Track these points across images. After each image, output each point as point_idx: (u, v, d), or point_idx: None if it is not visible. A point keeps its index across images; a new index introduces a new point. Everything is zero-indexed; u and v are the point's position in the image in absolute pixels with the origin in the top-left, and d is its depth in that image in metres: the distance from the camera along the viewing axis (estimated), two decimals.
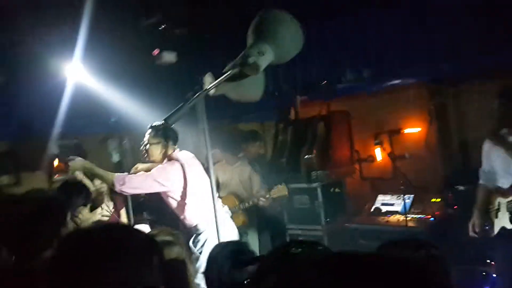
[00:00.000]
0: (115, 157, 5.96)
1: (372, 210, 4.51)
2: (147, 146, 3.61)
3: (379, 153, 4.91)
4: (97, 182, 3.81)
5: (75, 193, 3.07)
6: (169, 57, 4.44)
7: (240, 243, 2.17)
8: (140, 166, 3.78)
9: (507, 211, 3.09)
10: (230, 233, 3.53)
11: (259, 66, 2.55)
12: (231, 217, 3.88)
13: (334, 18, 4.39)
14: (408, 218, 4.07)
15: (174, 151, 3.62)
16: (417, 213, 4.20)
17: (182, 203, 3.57)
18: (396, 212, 4.33)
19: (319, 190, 4.48)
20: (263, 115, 5.69)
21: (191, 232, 3.65)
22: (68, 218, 2.24)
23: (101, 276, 1.01)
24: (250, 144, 4.84)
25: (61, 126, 4.88)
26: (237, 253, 1.63)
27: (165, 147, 3.58)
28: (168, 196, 3.60)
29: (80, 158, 3.48)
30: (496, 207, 3.17)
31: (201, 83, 2.70)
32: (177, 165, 3.50)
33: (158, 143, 3.57)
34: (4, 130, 4.92)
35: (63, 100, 4.60)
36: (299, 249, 1.13)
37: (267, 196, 4.29)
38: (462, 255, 3.53)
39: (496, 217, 3.17)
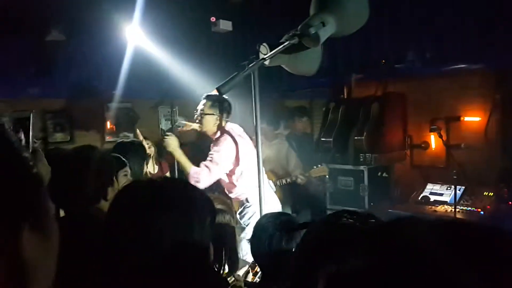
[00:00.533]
0: (165, 124, 6.08)
1: (419, 198, 4.37)
2: (201, 117, 3.53)
3: (433, 140, 4.71)
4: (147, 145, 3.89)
5: (134, 152, 3.13)
6: (226, 24, 4.39)
7: (289, 214, 2.15)
8: (193, 125, 3.68)
9: None
10: (275, 208, 3.51)
11: (320, 37, 2.44)
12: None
13: None
14: (456, 210, 3.94)
15: (226, 123, 3.57)
16: (467, 205, 4.04)
17: (232, 177, 3.55)
18: (444, 203, 4.19)
19: (365, 173, 4.38)
20: (313, 93, 5.57)
21: (239, 204, 3.66)
22: (122, 174, 2.31)
23: (155, 225, 1.03)
24: (297, 119, 4.76)
25: (116, 88, 5.00)
26: (287, 222, 1.61)
27: (219, 119, 3.50)
28: None
29: (175, 137, 3.48)
30: None
31: (258, 52, 2.62)
32: (229, 141, 3.45)
33: (212, 114, 3.49)
34: (61, 87, 5.11)
35: (120, 63, 4.68)
36: (351, 220, 1.08)
37: (306, 174, 4.22)
38: None
39: None
